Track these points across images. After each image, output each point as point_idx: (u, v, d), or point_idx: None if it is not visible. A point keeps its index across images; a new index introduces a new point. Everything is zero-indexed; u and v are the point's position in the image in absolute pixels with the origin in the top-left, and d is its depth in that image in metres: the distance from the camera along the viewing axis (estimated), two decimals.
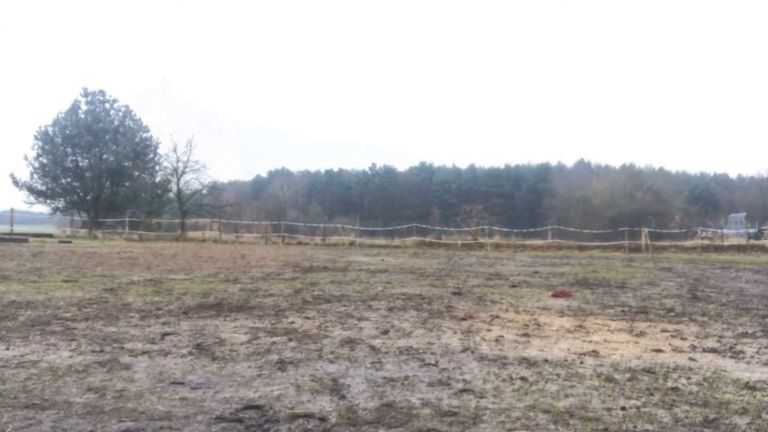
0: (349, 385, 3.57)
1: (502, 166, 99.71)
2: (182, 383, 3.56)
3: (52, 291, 8.08)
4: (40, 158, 40.77)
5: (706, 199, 79.35)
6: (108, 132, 42.24)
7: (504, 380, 3.75)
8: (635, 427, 2.88)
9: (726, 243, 31.67)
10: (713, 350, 4.83)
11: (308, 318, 6.16)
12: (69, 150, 41.83)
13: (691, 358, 4.51)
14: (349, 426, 2.85)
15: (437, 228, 37.51)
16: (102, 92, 43.15)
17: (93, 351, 4.41)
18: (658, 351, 4.77)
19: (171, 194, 47.34)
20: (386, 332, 5.39)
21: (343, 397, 3.34)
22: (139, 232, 35.47)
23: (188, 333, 5.20)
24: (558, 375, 3.90)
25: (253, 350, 4.53)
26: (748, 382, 3.76)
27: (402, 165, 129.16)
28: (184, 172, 47.68)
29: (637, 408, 3.18)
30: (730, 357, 4.58)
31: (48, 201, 42.13)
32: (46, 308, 6.52)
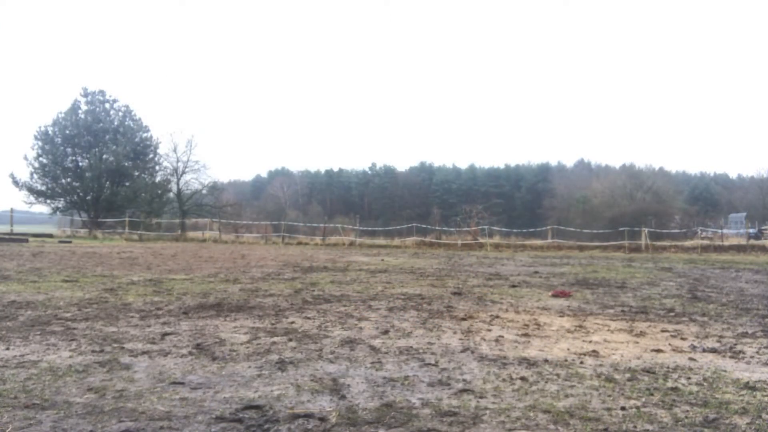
0: (349, 385, 3.57)
1: (502, 166, 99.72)
2: (182, 383, 3.56)
3: (52, 291, 8.08)
4: (40, 158, 40.77)
5: (706, 199, 79.35)
6: (108, 132, 42.22)
7: (504, 380, 3.75)
8: (635, 427, 2.88)
9: (726, 243, 31.65)
10: (713, 350, 4.83)
11: (308, 318, 6.16)
12: (69, 150, 41.81)
13: (691, 358, 4.51)
14: (349, 426, 2.85)
15: (437, 228, 37.49)
16: (102, 92, 43.13)
17: (93, 351, 4.41)
18: (658, 351, 4.77)
19: (171, 194, 47.34)
20: (386, 332, 5.39)
21: (343, 397, 3.34)
22: (139, 232, 35.47)
23: (188, 333, 5.20)
24: (558, 375, 3.90)
25: (253, 350, 4.53)
26: (748, 382, 3.76)
27: (402, 165, 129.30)
28: (184, 172, 47.73)
29: (637, 408, 3.18)
30: (730, 357, 4.58)
31: (48, 201, 42.13)
32: (46, 308, 6.52)
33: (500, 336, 5.32)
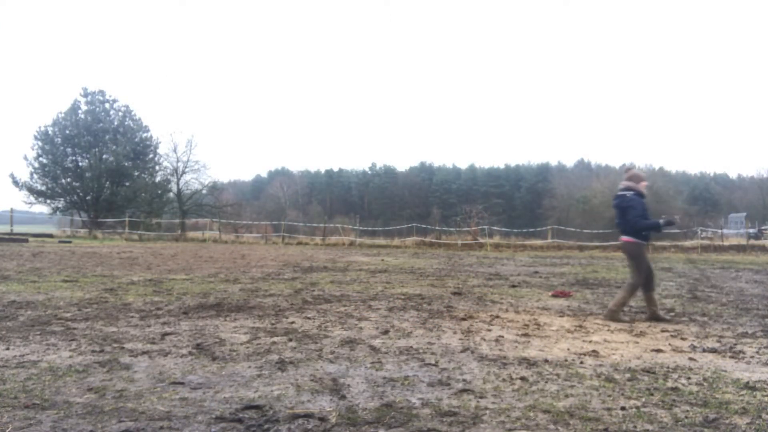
0: (349, 385, 3.57)
1: (502, 166, 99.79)
2: (182, 383, 3.56)
3: (52, 291, 8.08)
4: (40, 158, 40.74)
5: (706, 199, 79.40)
6: (108, 132, 42.18)
7: (504, 380, 3.75)
8: (635, 427, 2.88)
9: (726, 243, 31.65)
10: (713, 350, 4.83)
11: (308, 318, 6.16)
12: (69, 150, 41.78)
13: (691, 358, 4.51)
14: (349, 426, 2.85)
15: (437, 228, 37.46)
16: (102, 92, 43.07)
17: (93, 351, 4.41)
18: (658, 351, 4.77)
19: (171, 194, 47.29)
20: (386, 332, 5.39)
21: (343, 397, 3.34)
22: (139, 232, 35.46)
23: (188, 333, 5.20)
24: (558, 375, 3.90)
25: (253, 350, 4.53)
26: (748, 382, 3.76)
27: (402, 165, 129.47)
28: (184, 172, 47.68)
29: (637, 408, 3.18)
30: (730, 357, 4.58)
31: (48, 201, 42.09)
32: (46, 308, 6.52)
33: (500, 336, 5.31)
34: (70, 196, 42.16)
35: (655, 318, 6.48)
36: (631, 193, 6.64)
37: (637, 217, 6.48)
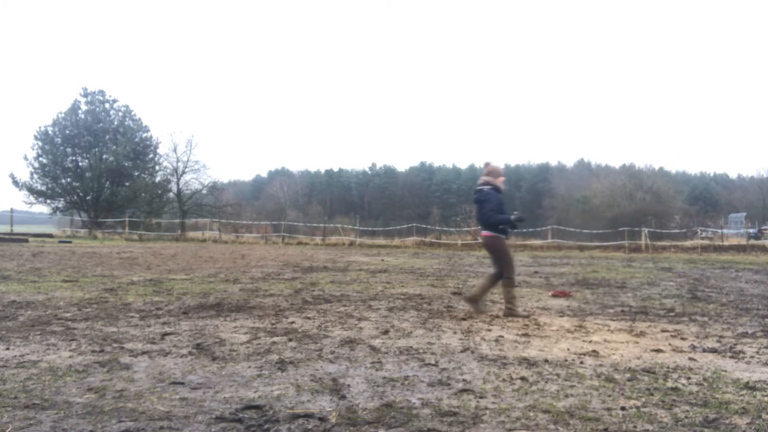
0: (349, 385, 3.57)
1: (502, 166, 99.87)
2: (182, 383, 3.56)
3: (52, 291, 8.08)
4: (40, 158, 40.75)
5: (706, 199, 79.43)
6: (108, 132, 42.19)
7: (504, 380, 3.75)
8: (635, 427, 2.88)
9: (726, 243, 31.64)
10: (713, 350, 4.83)
11: (308, 318, 6.16)
12: (69, 150, 41.80)
13: (691, 358, 4.50)
14: (349, 426, 2.85)
15: (437, 228, 37.49)
16: (102, 92, 43.08)
17: (93, 351, 4.41)
18: (658, 351, 4.77)
19: (171, 194, 47.31)
20: (386, 332, 5.39)
21: (343, 397, 3.34)
22: (139, 232, 35.46)
23: (188, 333, 5.20)
24: (558, 375, 3.90)
25: (253, 350, 4.53)
26: (748, 382, 3.76)
27: (402, 165, 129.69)
28: (184, 172, 47.70)
29: (637, 408, 3.18)
30: (730, 357, 4.58)
31: (48, 201, 42.11)
32: (46, 308, 6.52)
33: (500, 336, 5.31)
34: (70, 196, 42.16)
35: (511, 314, 6.51)
36: (489, 187, 6.73)
37: (491, 211, 6.54)
